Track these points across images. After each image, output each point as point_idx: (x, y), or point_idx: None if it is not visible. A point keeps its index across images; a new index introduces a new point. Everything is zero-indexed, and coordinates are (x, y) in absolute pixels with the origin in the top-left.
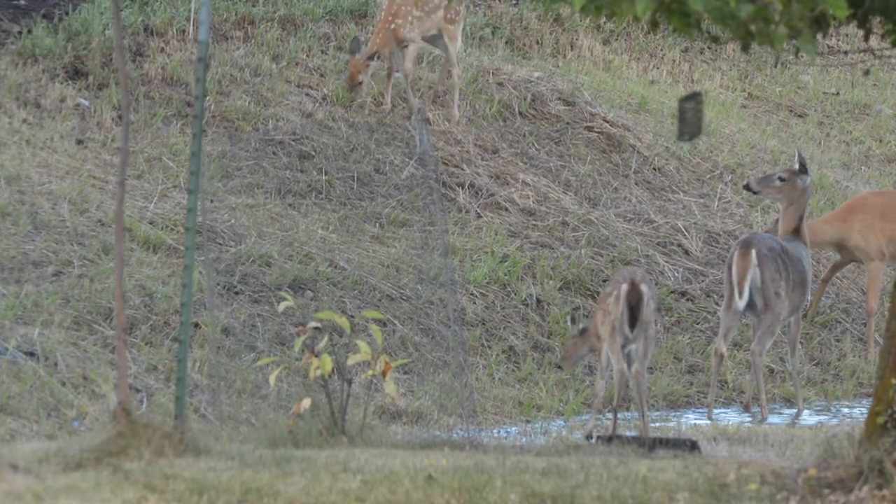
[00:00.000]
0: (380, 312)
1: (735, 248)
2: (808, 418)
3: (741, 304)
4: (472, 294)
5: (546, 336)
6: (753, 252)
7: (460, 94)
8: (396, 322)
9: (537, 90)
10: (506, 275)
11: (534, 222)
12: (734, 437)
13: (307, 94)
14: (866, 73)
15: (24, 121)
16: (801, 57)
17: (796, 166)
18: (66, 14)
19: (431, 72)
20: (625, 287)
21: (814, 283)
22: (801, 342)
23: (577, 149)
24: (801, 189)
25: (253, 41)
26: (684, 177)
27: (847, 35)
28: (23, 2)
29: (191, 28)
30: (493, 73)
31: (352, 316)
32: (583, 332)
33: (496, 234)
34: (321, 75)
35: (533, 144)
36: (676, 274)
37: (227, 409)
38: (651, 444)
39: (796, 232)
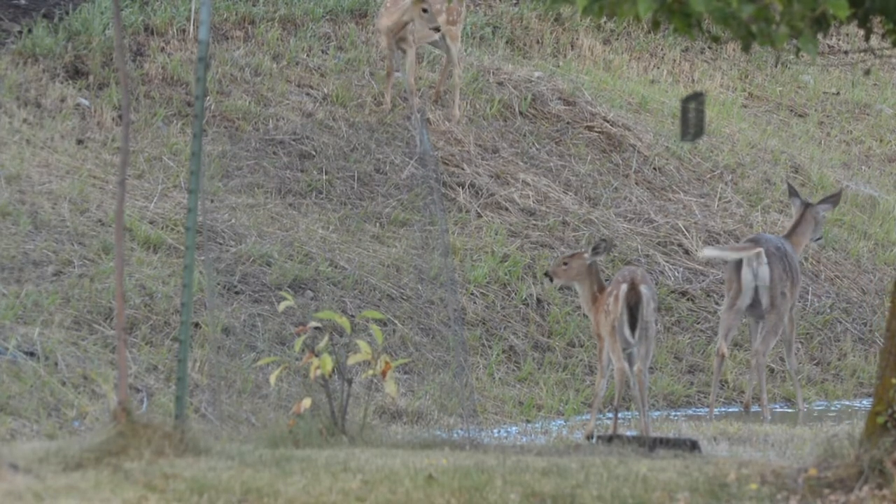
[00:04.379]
0: (380, 312)
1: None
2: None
3: (747, 273)
4: (472, 294)
5: (546, 336)
6: (762, 250)
7: (461, 93)
8: (397, 322)
9: (538, 90)
10: (506, 274)
11: (534, 222)
12: (734, 436)
13: (307, 94)
14: (867, 72)
15: (25, 120)
16: (802, 57)
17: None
18: (67, 14)
19: (432, 72)
20: (624, 287)
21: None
22: (800, 342)
23: (577, 148)
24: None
25: (253, 41)
26: (684, 176)
27: (847, 35)
28: (23, 1)
29: (191, 28)
30: (493, 73)
31: (352, 316)
32: (591, 265)
33: (496, 234)
34: (321, 75)
35: (533, 144)
36: (676, 274)
37: (227, 409)
38: (651, 444)
39: (789, 234)
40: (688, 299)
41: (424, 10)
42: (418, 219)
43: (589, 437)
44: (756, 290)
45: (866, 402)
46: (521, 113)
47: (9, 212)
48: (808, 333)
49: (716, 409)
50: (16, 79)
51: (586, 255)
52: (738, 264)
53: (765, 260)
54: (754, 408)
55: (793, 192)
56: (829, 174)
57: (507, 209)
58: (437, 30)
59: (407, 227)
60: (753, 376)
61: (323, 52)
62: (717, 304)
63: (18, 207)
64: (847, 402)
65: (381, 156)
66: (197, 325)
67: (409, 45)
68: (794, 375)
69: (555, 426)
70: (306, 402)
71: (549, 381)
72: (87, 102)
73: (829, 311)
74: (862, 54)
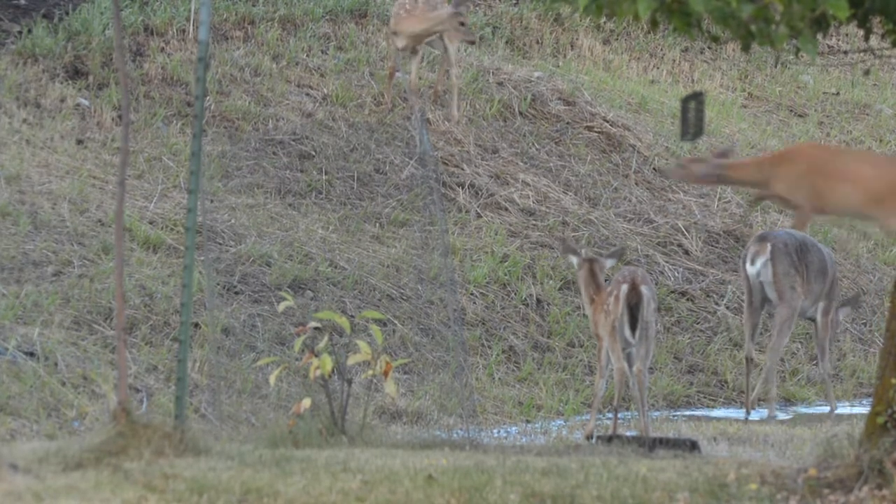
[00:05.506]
0: (380, 312)
1: (751, 243)
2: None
3: (752, 269)
4: (472, 294)
5: (546, 336)
6: (769, 245)
7: (461, 93)
8: (396, 322)
9: (537, 90)
10: (506, 275)
11: (534, 222)
12: (734, 437)
13: (307, 94)
14: (866, 72)
15: (24, 121)
16: (802, 57)
17: None
18: (66, 14)
19: (431, 72)
20: (625, 288)
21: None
22: (799, 342)
23: (577, 149)
24: None
25: (253, 41)
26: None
27: (847, 35)
28: (23, 2)
29: (191, 28)
30: (493, 73)
31: (352, 316)
32: (584, 267)
33: (496, 234)
34: (321, 75)
35: (533, 144)
36: (676, 274)
37: (227, 409)
38: (651, 444)
39: None
40: (687, 299)
41: (462, 24)
42: (418, 219)
43: (589, 437)
44: (762, 285)
45: (866, 403)
46: (520, 113)
47: (9, 212)
48: (807, 333)
49: (716, 411)
50: (16, 79)
51: (574, 259)
52: (744, 261)
53: (768, 256)
54: (756, 411)
55: None
56: None
57: (506, 209)
58: (472, 42)
59: (407, 228)
60: (754, 374)
61: (323, 52)
62: (716, 304)
63: (18, 207)
64: (846, 403)
65: (381, 156)
66: (197, 325)
67: (419, 49)
68: (827, 380)
69: (554, 426)
70: (306, 403)
71: (548, 382)
72: (86, 102)
73: None
74: (862, 54)
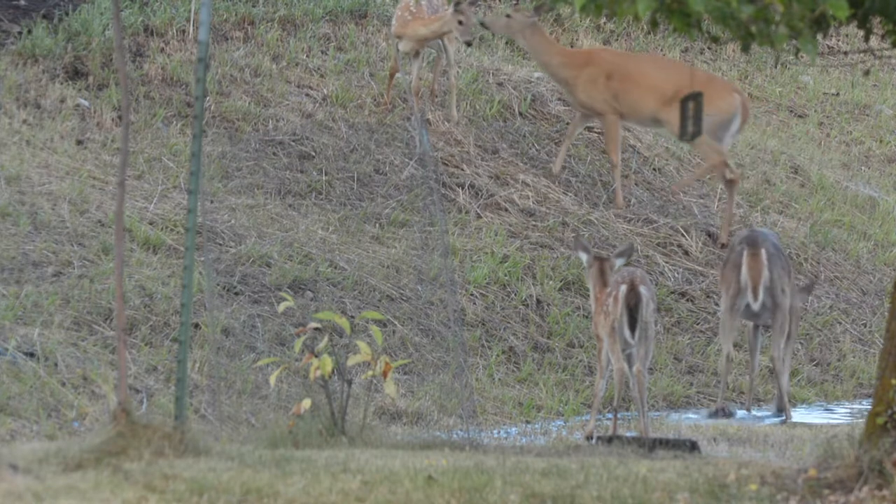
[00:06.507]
0: (380, 313)
1: (742, 248)
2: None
3: (756, 305)
4: (472, 294)
5: (546, 336)
6: (763, 252)
7: (461, 94)
8: (396, 322)
9: (537, 90)
10: (506, 275)
11: (534, 223)
12: (734, 437)
13: (307, 95)
14: (866, 73)
15: (24, 121)
16: (802, 57)
17: None
18: (66, 14)
19: (431, 72)
20: (624, 288)
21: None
22: (799, 342)
23: (577, 149)
24: None
25: (253, 41)
26: (684, 177)
27: (847, 35)
28: (23, 2)
29: (191, 28)
30: (493, 74)
31: (352, 316)
32: (592, 266)
33: (496, 235)
34: (321, 76)
35: (533, 145)
36: (676, 274)
37: (227, 410)
38: (651, 445)
39: None
40: (687, 300)
41: (461, 23)
42: (418, 219)
43: (589, 437)
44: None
45: (866, 403)
46: (520, 114)
47: (9, 212)
48: (807, 334)
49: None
50: (15, 79)
51: (584, 256)
52: (738, 265)
53: (765, 261)
54: (757, 410)
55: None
56: (828, 175)
57: (506, 210)
58: (468, 44)
59: (406, 228)
60: (741, 374)
61: (323, 52)
62: (716, 304)
63: (18, 208)
64: (846, 403)
65: (381, 156)
66: (197, 325)
67: (421, 51)
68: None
69: (554, 427)
70: (306, 403)
71: (548, 382)
72: (86, 103)
73: (828, 311)
74: (861, 55)
